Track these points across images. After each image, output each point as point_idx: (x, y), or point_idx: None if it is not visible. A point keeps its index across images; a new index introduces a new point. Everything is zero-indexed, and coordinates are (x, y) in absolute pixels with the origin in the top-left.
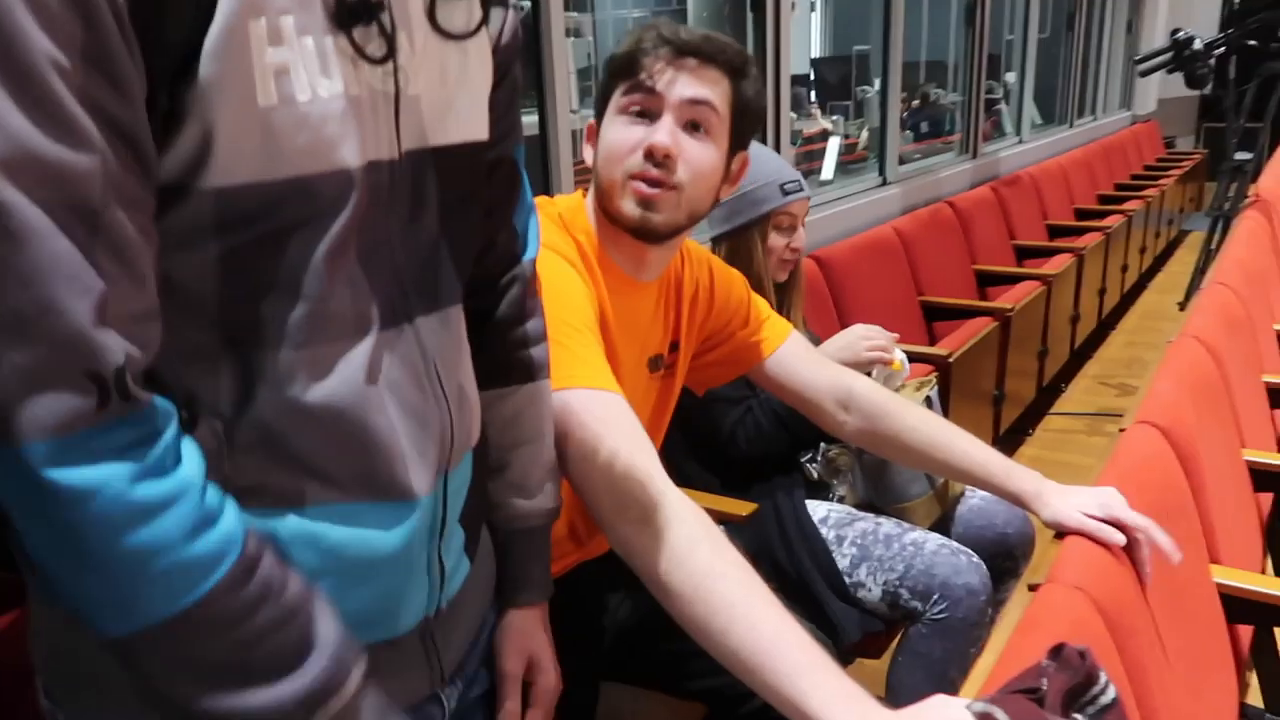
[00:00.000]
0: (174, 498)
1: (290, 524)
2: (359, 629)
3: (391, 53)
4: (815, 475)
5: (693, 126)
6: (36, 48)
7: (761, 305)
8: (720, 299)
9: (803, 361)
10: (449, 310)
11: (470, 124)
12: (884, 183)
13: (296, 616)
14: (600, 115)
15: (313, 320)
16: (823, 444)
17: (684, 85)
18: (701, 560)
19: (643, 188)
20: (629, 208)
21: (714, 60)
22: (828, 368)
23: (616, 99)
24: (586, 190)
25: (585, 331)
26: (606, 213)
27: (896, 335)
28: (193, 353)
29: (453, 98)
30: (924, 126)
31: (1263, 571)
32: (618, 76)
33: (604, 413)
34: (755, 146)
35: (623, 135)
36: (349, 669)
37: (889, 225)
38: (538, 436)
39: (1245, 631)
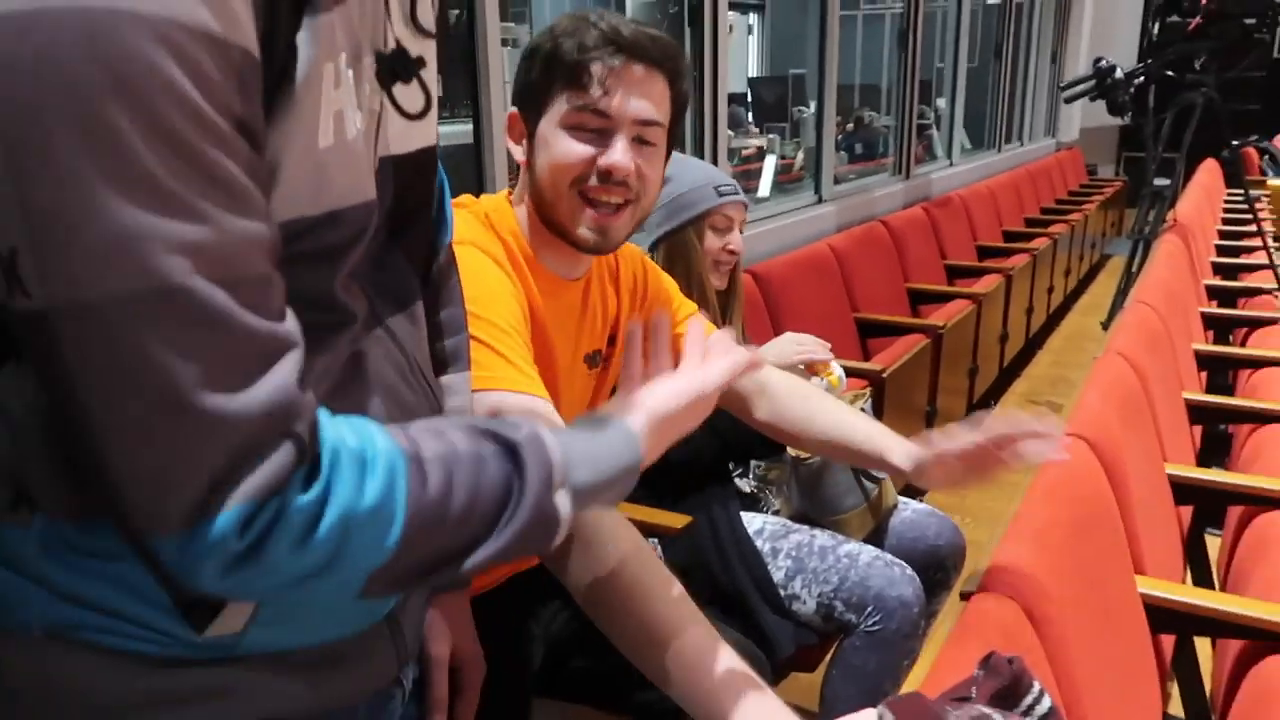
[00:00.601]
0: (327, 490)
1: None
2: (359, 619)
3: (428, 107)
4: (749, 489)
5: (640, 140)
6: (208, 121)
7: (686, 304)
8: (653, 290)
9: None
10: (414, 307)
11: (428, 130)
12: (819, 200)
13: (483, 463)
14: (532, 109)
15: (321, 329)
16: (753, 461)
17: (634, 105)
18: (628, 577)
19: (598, 216)
20: (584, 232)
21: (659, 66)
22: None
23: (560, 108)
24: (511, 190)
25: (513, 334)
26: (549, 222)
27: (829, 344)
28: None
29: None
30: (858, 148)
31: (1183, 583)
32: (560, 81)
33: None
34: (688, 157)
35: (572, 150)
36: (545, 452)
37: (824, 242)
38: None
39: (1168, 642)
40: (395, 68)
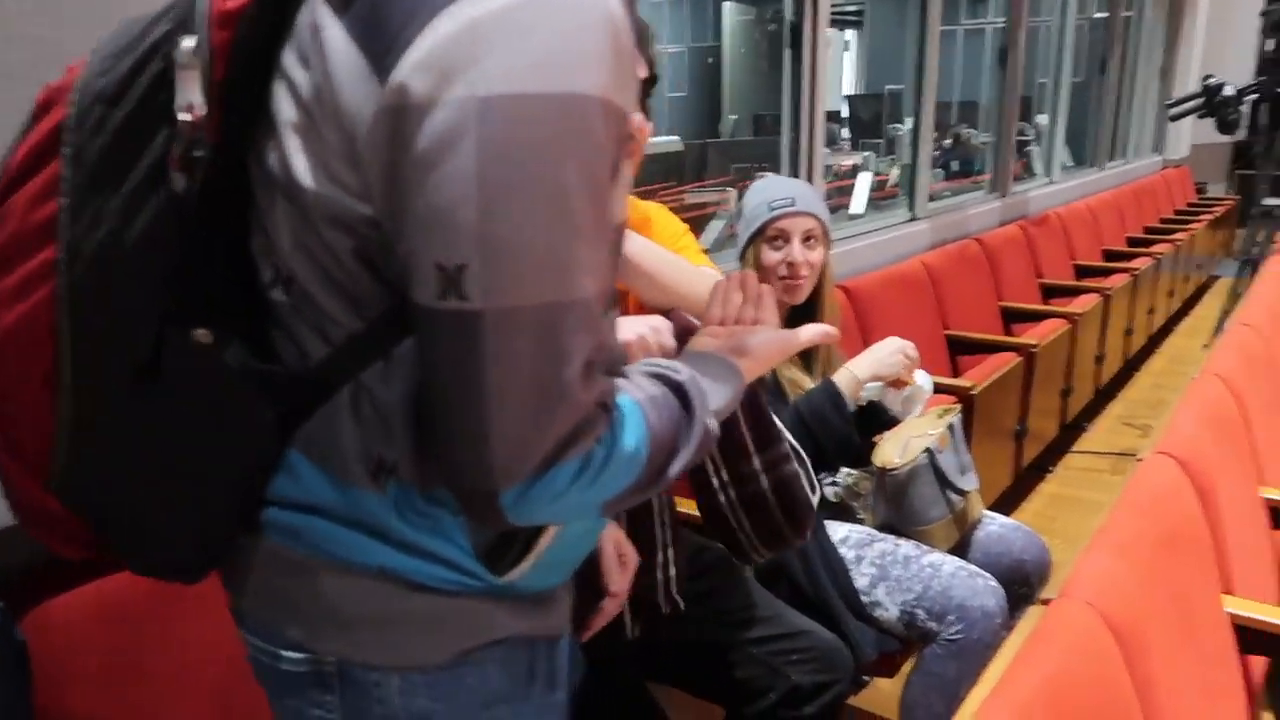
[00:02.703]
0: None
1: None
2: (573, 567)
3: None
4: (835, 498)
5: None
6: (612, 173)
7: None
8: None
9: None
10: None
11: None
12: (913, 218)
13: (670, 401)
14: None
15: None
16: (843, 469)
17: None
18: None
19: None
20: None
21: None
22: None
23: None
24: None
25: None
26: None
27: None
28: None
29: None
30: (955, 165)
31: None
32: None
33: None
34: (767, 176)
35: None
36: (700, 389)
37: (917, 259)
38: None
39: (1258, 664)
40: None
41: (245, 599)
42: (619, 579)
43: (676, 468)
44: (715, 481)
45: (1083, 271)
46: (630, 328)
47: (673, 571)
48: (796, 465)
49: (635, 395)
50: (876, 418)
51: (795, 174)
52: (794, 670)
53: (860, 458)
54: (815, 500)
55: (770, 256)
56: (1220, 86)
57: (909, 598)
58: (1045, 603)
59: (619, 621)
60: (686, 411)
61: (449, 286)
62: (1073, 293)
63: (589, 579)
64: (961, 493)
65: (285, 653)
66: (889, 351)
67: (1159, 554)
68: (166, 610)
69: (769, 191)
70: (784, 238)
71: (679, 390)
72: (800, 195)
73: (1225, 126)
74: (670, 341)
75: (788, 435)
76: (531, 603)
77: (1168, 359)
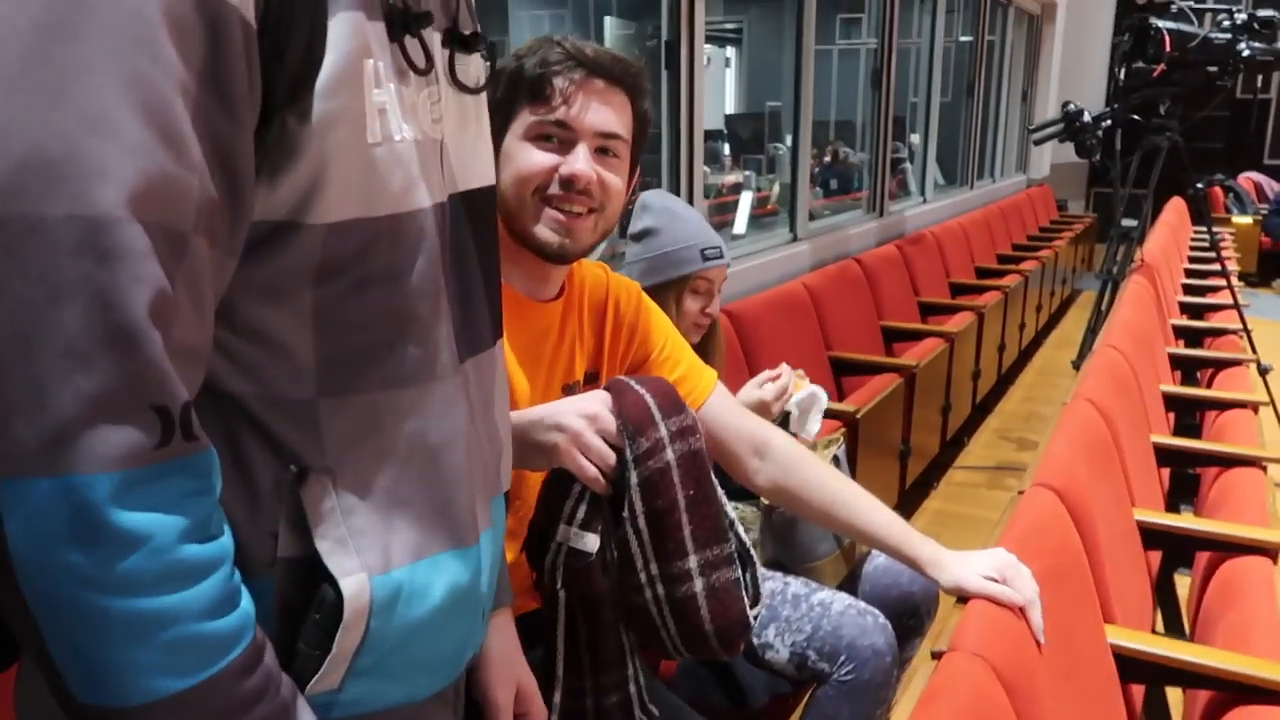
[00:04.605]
0: (212, 566)
1: (399, 576)
2: (436, 676)
3: (430, 66)
4: None
5: (602, 152)
6: (169, 65)
7: (688, 354)
8: (642, 334)
9: (728, 411)
10: (488, 352)
11: (486, 169)
12: (795, 239)
13: (289, 714)
14: (497, 128)
15: (398, 366)
16: (730, 503)
17: (595, 115)
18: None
19: (561, 217)
20: (546, 234)
21: (620, 81)
22: (748, 418)
23: (524, 120)
24: None
25: None
26: (513, 233)
27: (800, 371)
28: (293, 407)
29: (473, 144)
30: (833, 183)
31: (1153, 628)
32: (523, 97)
33: None
34: (679, 206)
35: (534, 159)
36: None
37: (799, 281)
38: None
39: (1138, 691)
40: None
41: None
42: None
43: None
44: (643, 575)
45: (958, 289)
46: (572, 410)
47: (642, 681)
48: (738, 571)
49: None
50: None
51: (676, 192)
52: None
53: (746, 492)
54: (754, 615)
55: (691, 305)
56: (1080, 113)
57: (799, 638)
58: (936, 655)
59: None
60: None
61: None
62: (949, 310)
63: None
64: None
65: None
66: (752, 385)
67: (1043, 590)
68: None
69: (696, 234)
70: (708, 290)
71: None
72: (716, 238)
73: (1084, 151)
74: (610, 425)
75: (740, 530)
76: None
77: (1037, 371)
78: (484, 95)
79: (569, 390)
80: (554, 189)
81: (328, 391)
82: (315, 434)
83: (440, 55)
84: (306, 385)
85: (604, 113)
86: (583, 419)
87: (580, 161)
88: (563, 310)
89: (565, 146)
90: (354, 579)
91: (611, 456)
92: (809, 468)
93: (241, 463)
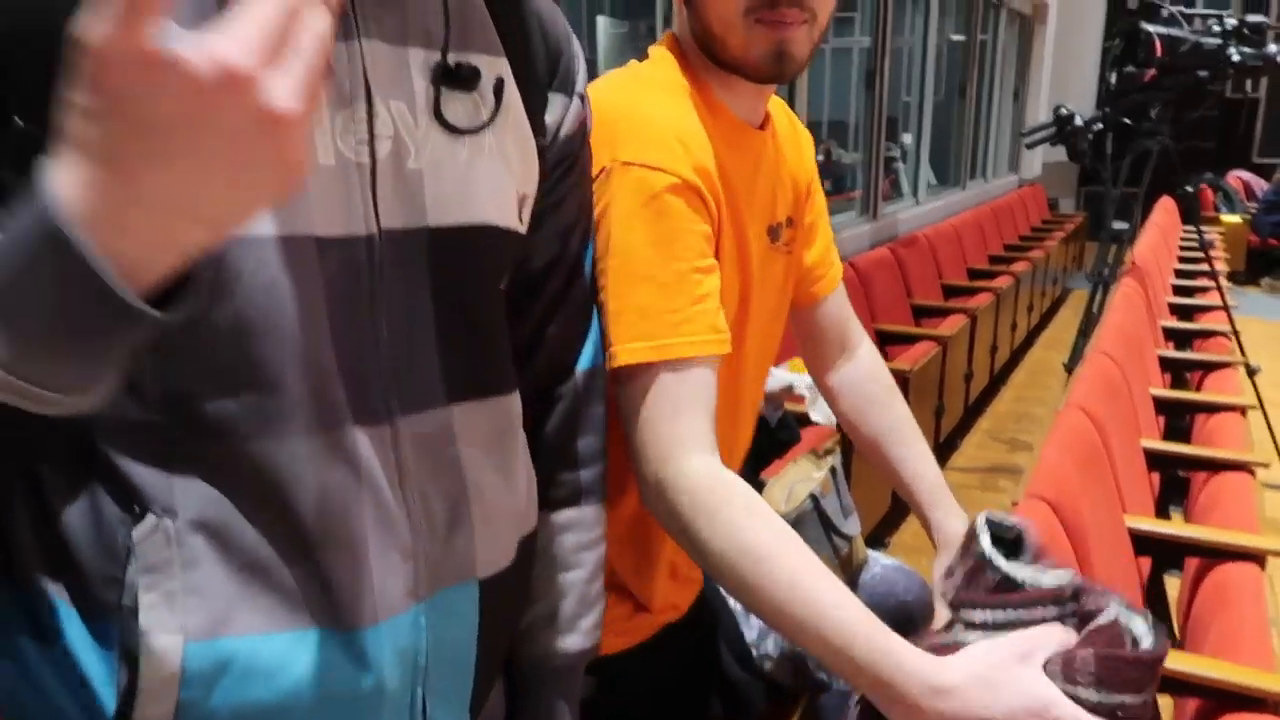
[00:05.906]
0: None
1: (230, 646)
2: None
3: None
4: None
5: None
6: None
7: (829, 228)
8: (816, 185)
9: (843, 304)
10: (441, 412)
11: (485, 208)
12: None
13: None
14: None
15: (244, 411)
16: None
17: None
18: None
19: (773, 34)
20: (762, 54)
21: None
22: (853, 320)
23: None
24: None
25: (693, 271)
26: (720, 60)
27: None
28: (139, 431)
29: (465, 180)
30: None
31: None
32: None
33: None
34: None
35: None
36: None
37: None
38: (577, 565)
39: None
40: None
41: None
42: None
43: None
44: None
45: (950, 291)
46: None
47: None
48: None
49: None
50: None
51: None
52: None
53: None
54: None
55: None
56: (1071, 116)
57: (798, 648)
58: None
59: None
60: None
61: None
62: (942, 313)
63: None
64: (847, 537)
65: None
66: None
67: None
68: None
69: None
70: None
71: None
72: None
73: (1075, 155)
74: None
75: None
76: None
77: (1029, 372)
78: (501, 134)
79: (772, 232)
80: (761, 5)
81: (174, 421)
82: (162, 466)
83: (422, 90)
84: (151, 408)
85: None
86: None
87: None
88: (771, 137)
89: None
90: (162, 639)
91: None
92: (883, 391)
93: (93, 496)
